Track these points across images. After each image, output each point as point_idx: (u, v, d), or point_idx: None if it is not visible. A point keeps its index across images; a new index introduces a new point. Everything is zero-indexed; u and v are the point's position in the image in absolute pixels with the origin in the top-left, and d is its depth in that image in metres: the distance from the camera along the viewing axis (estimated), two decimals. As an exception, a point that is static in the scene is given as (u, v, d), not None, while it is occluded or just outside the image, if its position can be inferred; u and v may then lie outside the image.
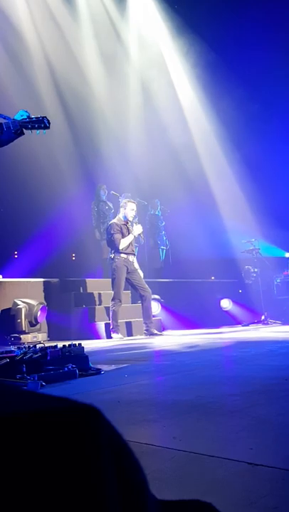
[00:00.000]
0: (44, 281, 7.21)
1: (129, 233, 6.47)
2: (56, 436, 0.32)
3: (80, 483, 0.31)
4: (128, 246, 6.44)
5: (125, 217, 6.54)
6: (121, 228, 6.41)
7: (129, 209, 6.51)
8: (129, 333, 6.68)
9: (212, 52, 10.29)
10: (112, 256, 6.43)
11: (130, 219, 6.57)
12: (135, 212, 6.65)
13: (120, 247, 6.33)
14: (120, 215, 6.60)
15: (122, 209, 6.62)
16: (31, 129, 3.09)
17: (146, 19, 10.84)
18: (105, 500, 0.31)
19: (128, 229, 6.52)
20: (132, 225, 6.61)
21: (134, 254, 6.57)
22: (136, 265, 6.59)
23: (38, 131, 3.12)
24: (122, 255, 6.37)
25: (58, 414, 0.33)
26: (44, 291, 7.12)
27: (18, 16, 9.21)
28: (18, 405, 0.36)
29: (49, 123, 3.13)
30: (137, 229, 6.53)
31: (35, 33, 9.48)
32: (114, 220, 6.61)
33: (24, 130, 3.12)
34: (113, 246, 6.40)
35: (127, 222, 6.56)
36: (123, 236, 6.40)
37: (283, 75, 10.42)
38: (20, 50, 9.19)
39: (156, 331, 6.40)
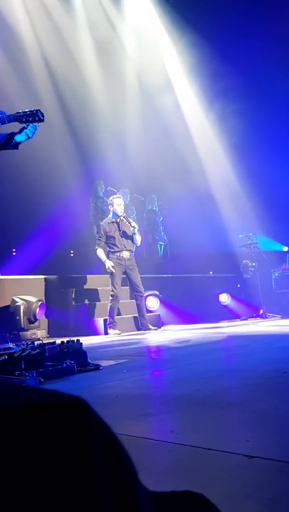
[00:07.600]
0: (43, 278, 7.21)
1: (119, 230, 6.57)
2: (37, 428, 0.31)
3: (62, 476, 0.30)
4: (119, 243, 6.52)
5: (115, 214, 6.63)
6: (105, 229, 6.56)
7: (116, 205, 6.63)
8: (128, 329, 6.69)
9: (208, 45, 10.22)
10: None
11: (120, 214, 6.62)
12: (123, 207, 6.70)
13: (99, 254, 6.54)
14: (110, 214, 6.73)
15: (110, 207, 6.76)
16: (26, 122, 3.07)
17: (142, 13, 10.79)
18: (90, 494, 0.31)
19: (118, 225, 6.60)
20: (124, 220, 6.66)
21: (129, 250, 6.59)
22: (133, 261, 6.62)
23: (32, 125, 3.10)
24: (114, 254, 6.51)
25: (40, 407, 0.33)
26: (43, 288, 7.11)
27: (14, 13, 9.15)
28: (1, 399, 0.35)
29: (43, 116, 3.11)
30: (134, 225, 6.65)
31: (32, 29, 9.44)
32: (104, 221, 6.78)
33: (19, 124, 3.09)
34: None
35: (118, 219, 6.62)
36: (112, 233, 6.53)
37: (282, 69, 10.35)
38: (16, 46, 9.14)
39: (150, 326, 6.53)
